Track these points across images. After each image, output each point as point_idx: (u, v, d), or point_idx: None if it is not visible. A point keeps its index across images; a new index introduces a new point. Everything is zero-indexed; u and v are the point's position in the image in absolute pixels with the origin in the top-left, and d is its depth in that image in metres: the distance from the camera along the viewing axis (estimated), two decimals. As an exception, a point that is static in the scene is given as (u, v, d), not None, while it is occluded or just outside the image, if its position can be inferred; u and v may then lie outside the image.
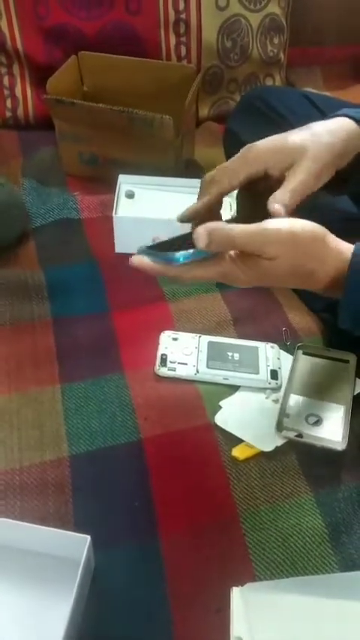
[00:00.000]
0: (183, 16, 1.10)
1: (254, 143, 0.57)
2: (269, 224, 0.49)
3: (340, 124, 0.59)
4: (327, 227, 0.52)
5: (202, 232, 0.47)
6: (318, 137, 0.57)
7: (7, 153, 1.06)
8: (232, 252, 0.49)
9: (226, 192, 0.57)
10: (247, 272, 0.50)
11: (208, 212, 0.58)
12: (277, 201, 0.54)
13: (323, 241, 0.51)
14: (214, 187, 0.57)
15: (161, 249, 0.51)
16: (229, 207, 0.62)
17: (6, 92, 1.14)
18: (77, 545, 0.48)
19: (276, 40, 1.22)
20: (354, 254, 0.51)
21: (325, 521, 0.55)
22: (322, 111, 0.88)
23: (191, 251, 0.48)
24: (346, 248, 0.52)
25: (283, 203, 0.54)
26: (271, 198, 0.55)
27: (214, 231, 0.47)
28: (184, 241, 0.52)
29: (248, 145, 0.58)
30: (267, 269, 0.49)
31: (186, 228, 0.60)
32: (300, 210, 0.57)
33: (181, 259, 0.48)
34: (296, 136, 0.57)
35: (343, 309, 0.52)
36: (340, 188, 0.63)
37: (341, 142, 0.58)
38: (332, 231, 0.53)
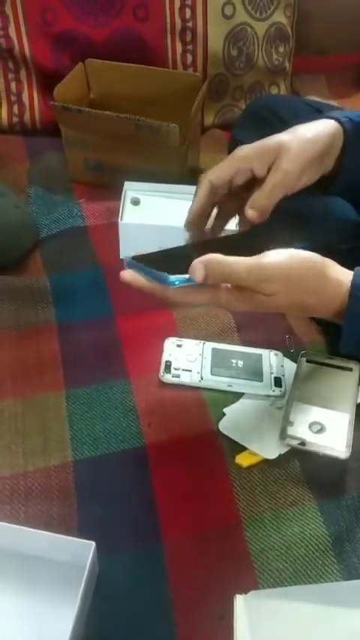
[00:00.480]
0: (189, 24, 1.11)
1: (245, 145, 0.59)
2: (267, 258, 0.48)
3: (325, 124, 0.60)
4: (323, 240, 0.53)
5: (198, 266, 0.47)
6: (300, 136, 0.58)
7: (13, 158, 1.07)
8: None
9: (217, 190, 0.58)
10: (242, 303, 0.50)
11: (203, 214, 0.59)
12: (252, 204, 0.56)
13: (322, 275, 0.51)
14: (204, 185, 0.58)
15: (149, 261, 0.50)
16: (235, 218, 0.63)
17: (13, 98, 1.14)
18: (82, 551, 0.49)
19: (281, 49, 1.23)
20: (353, 283, 0.51)
21: (328, 529, 0.55)
22: None
23: (187, 276, 0.48)
24: (346, 278, 0.52)
25: (259, 205, 0.55)
26: (248, 203, 0.56)
27: (211, 264, 0.47)
28: (175, 257, 0.53)
29: (239, 147, 0.59)
30: (263, 302, 0.50)
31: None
32: (288, 214, 0.57)
33: (176, 283, 0.48)
34: (280, 136, 0.58)
35: (344, 338, 0.53)
36: (327, 189, 0.64)
37: (324, 142, 0.59)
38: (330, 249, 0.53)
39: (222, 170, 0.58)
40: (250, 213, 0.56)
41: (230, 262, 0.47)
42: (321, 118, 0.62)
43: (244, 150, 0.58)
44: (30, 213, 0.92)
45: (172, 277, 0.48)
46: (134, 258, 0.51)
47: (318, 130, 0.59)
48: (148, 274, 0.49)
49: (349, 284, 0.51)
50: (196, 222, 0.60)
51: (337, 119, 0.61)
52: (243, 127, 0.95)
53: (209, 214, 0.61)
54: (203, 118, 1.18)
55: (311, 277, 0.50)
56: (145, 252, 0.53)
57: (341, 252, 0.56)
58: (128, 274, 0.50)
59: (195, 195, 0.59)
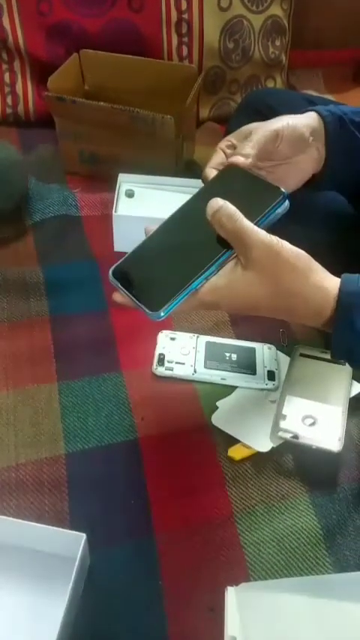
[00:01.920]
0: (185, 16, 1.10)
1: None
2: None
3: (307, 117, 0.62)
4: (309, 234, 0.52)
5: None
6: (278, 120, 0.60)
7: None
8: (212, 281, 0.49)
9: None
10: (224, 299, 0.49)
11: None
12: (238, 153, 0.57)
13: (306, 277, 0.49)
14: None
15: (130, 274, 0.50)
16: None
17: (7, 89, 1.13)
18: (73, 543, 0.48)
19: (278, 42, 1.22)
20: (341, 290, 0.49)
21: (320, 522, 0.55)
22: None
23: (176, 302, 0.47)
24: (332, 285, 0.50)
25: (244, 152, 0.56)
26: (230, 159, 0.57)
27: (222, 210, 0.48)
28: (156, 252, 0.51)
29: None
30: (244, 291, 0.49)
31: None
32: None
33: (162, 314, 0.47)
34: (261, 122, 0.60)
35: (334, 345, 0.51)
36: (318, 186, 0.65)
37: (301, 132, 0.60)
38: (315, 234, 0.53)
39: (215, 161, 0.59)
40: (234, 158, 0.56)
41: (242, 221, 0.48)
42: (307, 110, 0.63)
43: (224, 140, 0.61)
44: (16, 155, 0.92)
45: (161, 312, 0.47)
46: (114, 274, 0.51)
47: (298, 119, 0.61)
48: (133, 302, 0.49)
49: (337, 291, 0.50)
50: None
51: (319, 113, 0.62)
52: (239, 120, 0.94)
53: None
54: (199, 110, 1.18)
55: (295, 277, 0.49)
56: (124, 259, 0.52)
57: (327, 245, 0.55)
58: (118, 297, 0.51)
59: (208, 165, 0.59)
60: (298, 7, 1.24)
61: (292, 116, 0.62)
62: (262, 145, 0.58)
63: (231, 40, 1.15)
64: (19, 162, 0.90)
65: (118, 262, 0.52)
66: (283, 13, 1.20)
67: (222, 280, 0.49)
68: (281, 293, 0.49)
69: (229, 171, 0.56)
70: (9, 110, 1.14)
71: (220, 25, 1.13)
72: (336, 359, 0.54)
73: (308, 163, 0.63)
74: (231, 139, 0.61)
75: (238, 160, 0.56)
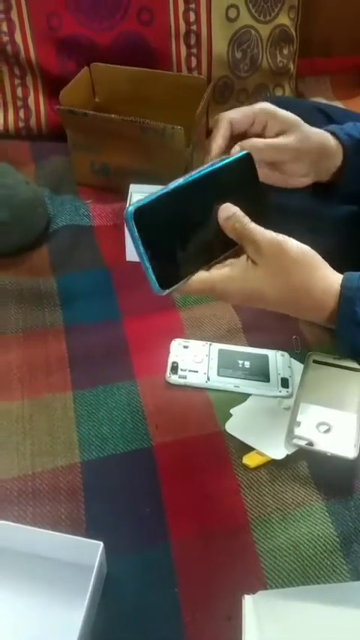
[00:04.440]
0: (194, 27, 1.11)
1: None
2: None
3: (326, 135, 0.63)
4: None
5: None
6: (307, 130, 0.61)
7: (19, 163, 1.07)
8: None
9: (235, 130, 0.59)
10: (234, 289, 0.52)
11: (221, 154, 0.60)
12: (244, 143, 0.57)
13: (310, 272, 0.52)
14: (224, 123, 0.59)
15: (154, 217, 0.49)
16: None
17: (19, 103, 1.15)
18: (90, 551, 0.49)
19: (285, 51, 1.23)
20: (343, 285, 0.52)
21: (336, 530, 0.55)
22: (333, 120, 0.89)
23: (179, 285, 0.50)
24: (334, 280, 0.53)
25: (253, 143, 0.57)
26: (243, 143, 0.57)
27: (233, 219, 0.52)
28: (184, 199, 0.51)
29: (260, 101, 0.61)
30: (254, 283, 0.51)
31: None
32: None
33: (164, 293, 0.50)
34: (295, 117, 0.61)
35: (338, 341, 0.53)
36: (330, 198, 0.67)
37: (318, 147, 0.62)
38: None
39: (242, 111, 0.59)
40: (238, 148, 0.57)
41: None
42: (325, 129, 0.65)
43: (266, 104, 0.60)
44: (40, 191, 0.93)
45: (160, 289, 0.49)
46: (135, 215, 0.48)
47: (318, 134, 0.63)
48: (142, 261, 0.49)
49: (339, 286, 0.52)
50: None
51: (335, 134, 0.64)
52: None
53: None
54: (208, 121, 1.19)
55: (300, 271, 0.52)
56: (146, 205, 0.49)
57: (337, 251, 0.56)
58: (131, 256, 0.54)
59: (213, 135, 0.58)
60: (306, 16, 1.24)
61: (308, 133, 0.62)
62: (275, 149, 0.59)
63: (239, 50, 1.16)
64: (41, 201, 0.91)
65: (140, 204, 0.49)
66: (290, 22, 1.21)
67: (236, 271, 0.52)
68: (287, 286, 0.52)
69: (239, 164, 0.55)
70: (21, 124, 1.16)
71: (229, 35, 1.14)
72: (341, 355, 0.55)
73: (326, 169, 0.64)
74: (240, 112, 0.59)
75: (255, 142, 0.57)
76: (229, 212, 0.52)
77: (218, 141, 0.58)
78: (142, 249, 0.49)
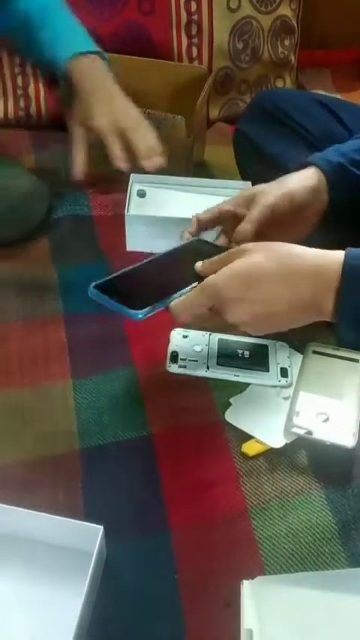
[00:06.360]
0: (195, 17, 1.11)
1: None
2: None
3: (308, 178, 0.67)
4: None
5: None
6: (279, 187, 0.66)
7: (20, 151, 1.07)
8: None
9: (203, 227, 0.69)
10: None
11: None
12: (235, 238, 0.64)
13: (302, 247, 0.55)
14: (193, 220, 0.69)
15: (113, 287, 0.57)
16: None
17: (19, 92, 1.15)
18: (90, 535, 0.49)
19: (287, 42, 1.22)
20: (346, 255, 0.53)
21: (335, 517, 0.55)
22: (332, 111, 0.89)
23: (151, 306, 0.55)
24: (331, 253, 0.54)
25: (244, 230, 0.63)
26: (234, 235, 0.64)
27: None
28: (140, 277, 0.60)
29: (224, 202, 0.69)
30: (246, 264, 0.55)
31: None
32: None
33: (139, 316, 0.55)
34: (261, 185, 0.67)
35: (342, 313, 0.53)
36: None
37: (302, 199, 0.65)
38: None
39: (208, 215, 0.68)
40: (240, 238, 0.63)
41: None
42: (307, 163, 0.68)
43: (226, 204, 0.68)
44: (39, 182, 0.92)
45: (136, 312, 0.54)
46: (96, 287, 0.57)
47: (297, 184, 0.66)
48: (112, 306, 0.55)
49: (339, 256, 0.53)
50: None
51: (319, 166, 0.67)
52: (248, 119, 0.95)
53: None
54: (209, 111, 1.19)
55: (292, 246, 0.55)
56: (108, 277, 0.59)
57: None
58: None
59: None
60: (307, 8, 1.24)
61: (291, 179, 0.67)
62: (260, 221, 0.64)
63: (240, 41, 1.16)
64: (40, 192, 0.90)
65: (98, 281, 0.59)
66: (291, 13, 1.21)
67: (227, 267, 0.55)
68: (282, 254, 0.55)
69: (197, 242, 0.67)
70: (21, 112, 1.15)
71: (230, 25, 1.14)
72: (343, 330, 0.55)
73: (311, 219, 0.68)
74: (231, 204, 0.67)
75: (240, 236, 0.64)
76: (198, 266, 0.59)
77: (185, 234, 0.68)
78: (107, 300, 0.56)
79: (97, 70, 0.75)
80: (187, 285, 0.58)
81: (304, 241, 0.59)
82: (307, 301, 0.54)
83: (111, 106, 0.70)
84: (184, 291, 0.58)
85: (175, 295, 0.57)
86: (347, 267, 0.52)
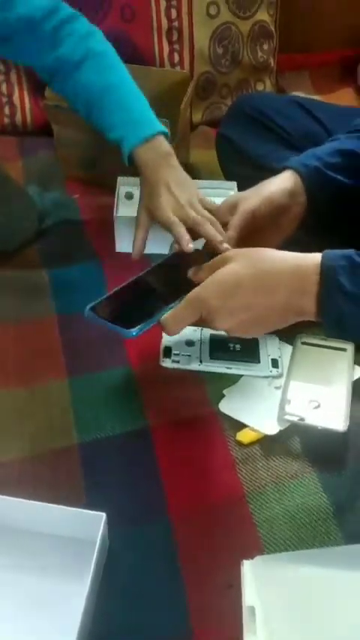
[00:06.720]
0: (175, 24, 1.13)
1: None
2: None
3: (285, 182, 0.70)
4: None
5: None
6: (259, 187, 0.69)
7: (7, 158, 1.08)
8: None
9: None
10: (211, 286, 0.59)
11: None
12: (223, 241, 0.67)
13: (280, 252, 0.59)
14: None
15: (108, 308, 0.61)
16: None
17: (4, 99, 1.16)
18: (92, 523, 0.50)
19: (266, 47, 1.25)
20: (323, 257, 0.56)
21: (329, 499, 0.57)
22: (309, 112, 0.92)
23: (144, 323, 0.58)
24: (309, 255, 0.58)
25: (227, 237, 0.67)
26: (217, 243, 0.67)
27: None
28: (134, 296, 0.63)
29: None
30: (225, 273, 0.58)
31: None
32: None
33: (133, 334, 0.58)
34: (241, 193, 0.72)
35: (324, 311, 0.57)
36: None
37: (279, 203, 0.69)
38: None
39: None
40: (224, 246, 0.66)
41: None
42: (284, 167, 0.71)
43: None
44: (27, 193, 0.94)
45: (130, 330, 0.58)
46: (92, 309, 0.60)
47: (275, 188, 0.69)
48: (107, 326, 0.59)
49: (316, 258, 0.56)
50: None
51: (296, 170, 0.70)
52: (229, 123, 0.98)
53: None
54: (191, 115, 1.21)
55: (270, 251, 0.59)
56: (102, 298, 0.63)
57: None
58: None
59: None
60: (284, 12, 1.27)
61: (270, 183, 0.70)
62: (242, 227, 0.68)
63: (220, 46, 1.18)
64: (29, 201, 0.91)
65: (92, 303, 0.62)
66: (269, 18, 1.24)
67: (209, 278, 0.59)
68: (259, 259, 0.58)
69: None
70: (7, 120, 1.17)
71: (210, 31, 1.16)
72: (327, 329, 0.58)
73: (291, 221, 0.71)
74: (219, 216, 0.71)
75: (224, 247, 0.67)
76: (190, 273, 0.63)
77: (174, 246, 0.70)
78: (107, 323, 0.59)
79: (160, 157, 0.76)
80: (176, 299, 0.61)
81: (285, 244, 0.62)
82: (286, 304, 0.58)
83: (174, 197, 0.73)
84: (173, 305, 0.61)
85: (166, 309, 0.60)
86: (324, 268, 0.55)
